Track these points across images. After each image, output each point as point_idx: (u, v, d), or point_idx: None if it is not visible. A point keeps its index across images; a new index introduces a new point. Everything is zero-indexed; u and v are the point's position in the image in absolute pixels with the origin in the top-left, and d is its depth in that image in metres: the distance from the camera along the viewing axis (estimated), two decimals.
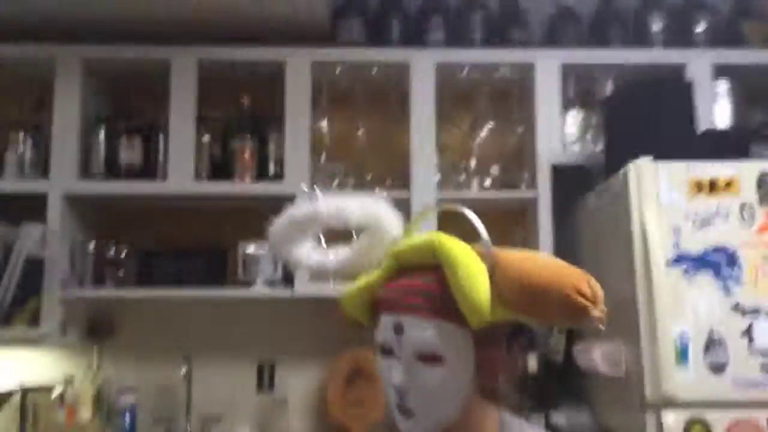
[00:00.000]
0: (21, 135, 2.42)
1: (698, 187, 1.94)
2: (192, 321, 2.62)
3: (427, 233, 1.09)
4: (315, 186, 2.35)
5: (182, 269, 2.47)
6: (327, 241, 1.18)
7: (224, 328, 2.60)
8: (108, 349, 2.58)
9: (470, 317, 0.98)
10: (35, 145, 2.43)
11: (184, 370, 2.45)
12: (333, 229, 1.12)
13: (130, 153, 2.42)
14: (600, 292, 0.97)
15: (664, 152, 1.97)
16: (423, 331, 1.00)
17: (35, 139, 2.43)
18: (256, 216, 2.51)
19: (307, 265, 1.11)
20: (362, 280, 1.12)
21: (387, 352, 1.05)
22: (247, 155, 2.42)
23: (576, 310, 0.95)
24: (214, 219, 2.61)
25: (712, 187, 1.94)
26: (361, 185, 2.50)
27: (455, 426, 1.05)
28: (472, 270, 0.99)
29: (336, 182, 2.49)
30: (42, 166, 2.41)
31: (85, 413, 2.46)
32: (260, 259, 2.39)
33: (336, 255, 1.12)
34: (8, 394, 2.46)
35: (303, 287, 2.36)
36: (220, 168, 2.45)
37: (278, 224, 1.13)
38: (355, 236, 1.15)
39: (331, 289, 2.33)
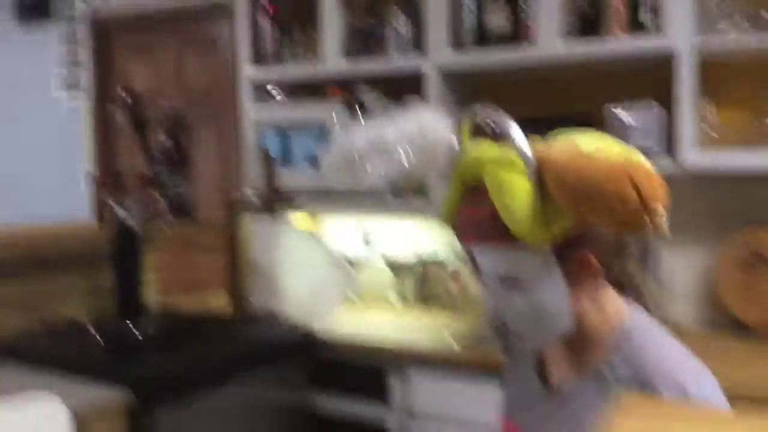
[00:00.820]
0: (396, 10, 2.46)
1: None
2: None
3: (476, 147, 0.99)
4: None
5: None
6: None
7: None
8: None
9: (526, 240, 0.91)
10: (409, 19, 2.44)
11: None
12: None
13: (496, 16, 2.29)
14: (658, 185, 0.87)
15: None
16: (491, 258, 0.97)
17: (408, 14, 2.45)
18: (625, 76, 2.25)
19: (386, 182, 1.08)
20: (444, 205, 1.04)
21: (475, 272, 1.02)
22: (618, 4, 2.09)
23: (632, 211, 0.85)
24: (579, 83, 2.37)
25: None
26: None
27: (572, 335, 0.98)
28: (512, 193, 0.91)
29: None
30: (413, 41, 2.43)
31: (474, 287, 2.54)
32: (631, 125, 2.13)
33: (400, 165, 1.05)
34: (410, 264, 2.72)
35: (693, 159, 2.02)
36: (589, 24, 2.16)
37: (326, 168, 1.15)
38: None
39: (728, 161, 2.03)
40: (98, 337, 1.78)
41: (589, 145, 0.91)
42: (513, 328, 0.99)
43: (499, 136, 0.98)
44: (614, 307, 1.00)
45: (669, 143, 2.08)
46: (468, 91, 2.58)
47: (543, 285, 0.95)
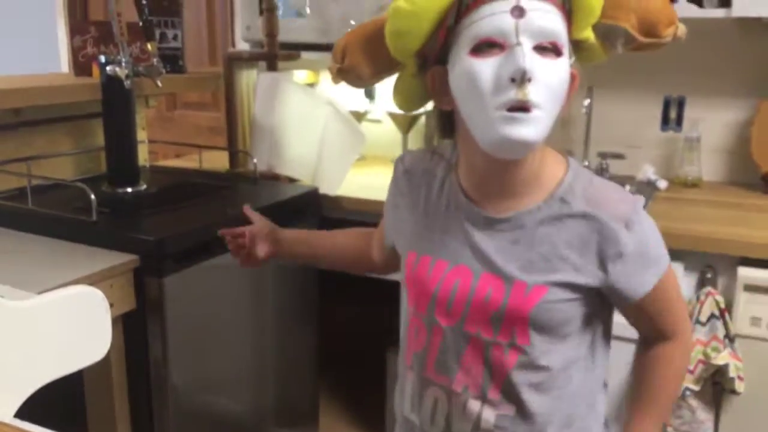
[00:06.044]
0: None
1: None
2: None
3: None
4: None
5: None
6: None
7: (631, 56, 2.30)
8: None
9: (582, 20, 0.95)
10: None
11: (586, 102, 2.27)
12: None
13: None
14: None
15: None
16: (548, 15, 0.90)
17: None
18: None
19: None
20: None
21: (490, 45, 0.89)
22: None
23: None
24: None
25: None
26: None
27: (532, 156, 0.97)
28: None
29: None
30: None
31: None
32: None
33: None
34: (416, 118, 2.59)
35: (745, 6, 1.88)
36: None
37: None
38: None
39: None
40: (95, 199, 1.64)
41: None
42: (533, 97, 0.89)
43: None
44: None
45: None
46: None
47: (566, 65, 0.93)
